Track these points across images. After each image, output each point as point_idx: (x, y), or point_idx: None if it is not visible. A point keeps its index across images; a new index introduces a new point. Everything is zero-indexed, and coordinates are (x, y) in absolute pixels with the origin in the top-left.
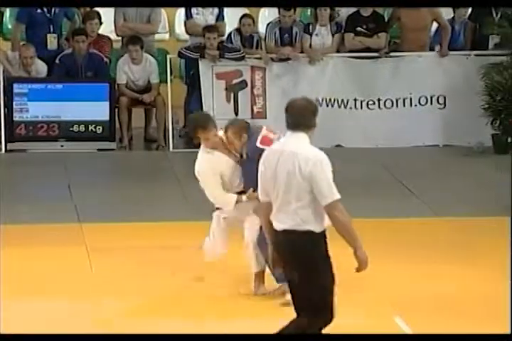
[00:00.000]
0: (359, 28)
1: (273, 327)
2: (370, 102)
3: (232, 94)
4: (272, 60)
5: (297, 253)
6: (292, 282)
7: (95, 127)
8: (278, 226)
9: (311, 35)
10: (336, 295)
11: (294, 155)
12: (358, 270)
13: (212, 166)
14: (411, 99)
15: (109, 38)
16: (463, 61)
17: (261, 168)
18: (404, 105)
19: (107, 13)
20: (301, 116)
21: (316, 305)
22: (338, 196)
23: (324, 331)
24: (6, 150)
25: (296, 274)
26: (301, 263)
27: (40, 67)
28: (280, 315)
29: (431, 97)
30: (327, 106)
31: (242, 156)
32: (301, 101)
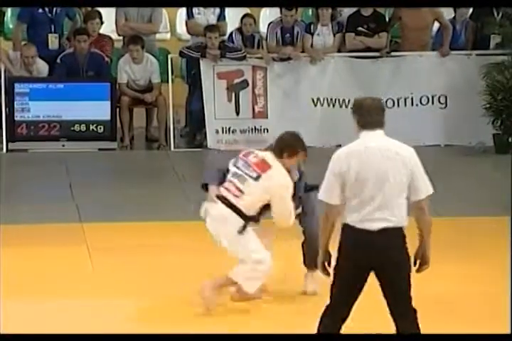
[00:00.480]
0: (360, 28)
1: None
2: None
3: (233, 94)
4: (273, 59)
5: (401, 251)
6: (394, 284)
7: (96, 127)
8: (374, 225)
9: (312, 34)
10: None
11: (393, 151)
12: (420, 270)
13: None
14: (412, 99)
15: (110, 38)
16: (464, 61)
17: (339, 169)
18: (405, 105)
19: (108, 13)
20: (379, 115)
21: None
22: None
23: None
24: (7, 150)
25: (401, 274)
26: (406, 261)
27: (42, 67)
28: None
29: (432, 97)
30: (328, 105)
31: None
32: (374, 100)
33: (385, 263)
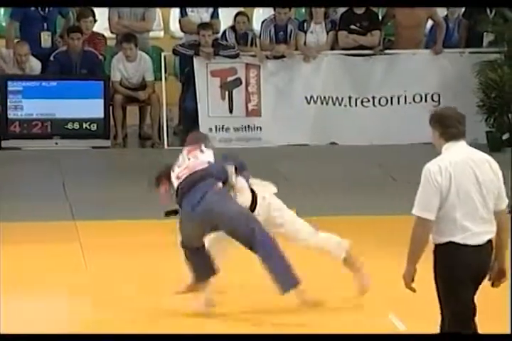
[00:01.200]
0: (353, 26)
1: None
2: (365, 100)
3: (226, 92)
4: (267, 57)
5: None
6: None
7: (90, 125)
8: (481, 239)
9: (305, 32)
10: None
11: (483, 160)
12: (497, 284)
13: None
14: (405, 97)
15: (103, 36)
16: (457, 59)
17: (438, 183)
18: (398, 103)
19: (101, 11)
20: (463, 125)
21: None
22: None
23: (319, 330)
24: (0, 148)
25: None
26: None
27: (35, 65)
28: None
29: (425, 95)
30: (321, 103)
31: None
32: (454, 110)
33: (485, 272)
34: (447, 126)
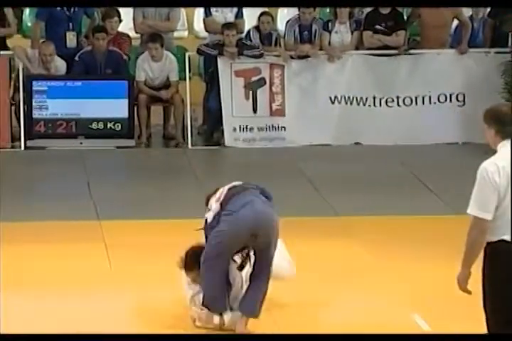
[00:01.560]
0: (378, 26)
1: None
2: (389, 100)
3: (250, 92)
4: (291, 57)
5: None
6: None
7: (114, 124)
8: None
9: (330, 32)
10: None
11: None
12: None
13: None
14: (430, 97)
15: (128, 36)
16: (482, 58)
17: (497, 182)
18: (423, 103)
19: (126, 11)
20: None
21: None
22: None
23: (338, 330)
24: (25, 148)
25: None
26: None
27: (60, 65)
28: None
29: (450, 95)
30: (346, 103)
31: None
32: (509, 107)
33: None
34: (504, 123)
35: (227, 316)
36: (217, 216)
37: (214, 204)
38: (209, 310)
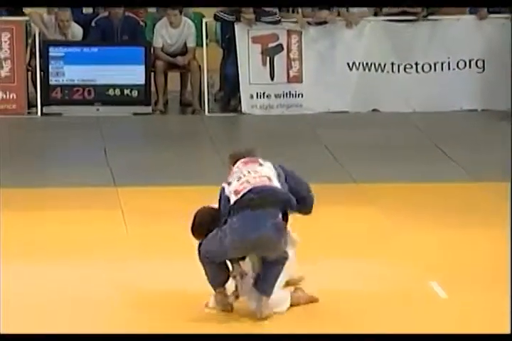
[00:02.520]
0: None
1: None
2: (408, 66)
3: (268, 58)
4: (309, 23)
5: None
6: None
7: (131, 91)
8: None
9: None
10: None
11: None
12: None
13: None
14: (449, 63)
15: None
16: (502, 24)
17: None
18: (442, 69)
19: None
20: None
21: None
22: None
23: (356, 297)
24: (42, 114)
25: None
26: None
27: (76, 31)
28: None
29: (469, 61)
30: (364, 70)
31: None
32: None
33: None
34: None
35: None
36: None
37: (231, 195)
38: (213, 287)
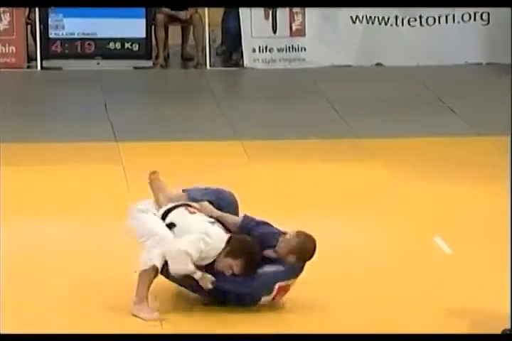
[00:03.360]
0: None
1: None
2: (412, 19)
3: (270, 12)
4: None
5: None
6: None
7: (131, 44)
8: None
9: None
10: None
11: None
12: None
13: None
14: (454, 16)
15: None
16: None
17: None
18: (446, 22)
19: None
20: None
21: None
22: None
23: (360, 252)
24: (41, 68)
25: None
26: None
27: None
28: None
29: (474, 14)
30: (367, 23)
31: None
32: None
33: None
34: None
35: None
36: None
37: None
38: None
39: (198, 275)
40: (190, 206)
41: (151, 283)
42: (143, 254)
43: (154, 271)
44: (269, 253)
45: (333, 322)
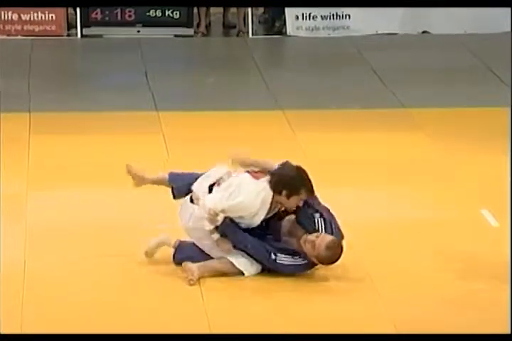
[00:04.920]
0: None
1: None
2: None
3: None
4: None
5: None
6: None
7: (172, 12)
8: None
9: None
10: None
11: None
12: None
13: None
14: None
15: None
16: None
17: None
18: None
19: None
20: None
21: None
22: None
23: (404, 223)
24: (81, 36)
25: None
26: None
27: None
28: None
29: None
30: None
31: None
32: None
33: None
34: None
35: None
36: None
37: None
38: None
39: (216, 236)
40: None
41: None
42: None
43: None
44: (291, 241)
45: (381, 293)
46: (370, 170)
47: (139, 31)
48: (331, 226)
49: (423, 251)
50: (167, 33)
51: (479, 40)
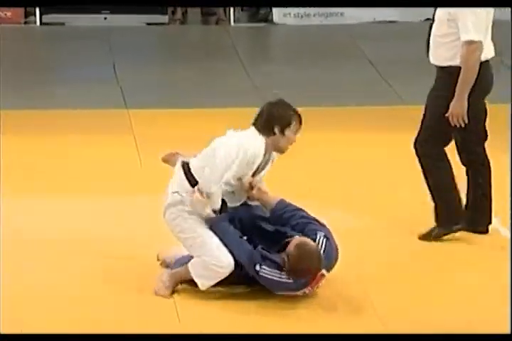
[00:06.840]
0: None
1: None
2: None
3: None
4: None
5: None
6: None
7: None
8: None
9: None
10: None
11: None
12: None
13: None
14: None
15: None
16: None
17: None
18: None
19: None
20: None
21: None
22: None
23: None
24: (41, 23)
25: None
26: None
27: None
28: None
29: None
30: None
31: None
32: None
33: None
34: None
35: None
36: None
37: None
38: None
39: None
40: None
41: None
42: None
43: None
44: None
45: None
46: (370, 170)
47: (105, 18)
48: (331, 245)
49: (423, 251)
50: (138, 20)
51: None
